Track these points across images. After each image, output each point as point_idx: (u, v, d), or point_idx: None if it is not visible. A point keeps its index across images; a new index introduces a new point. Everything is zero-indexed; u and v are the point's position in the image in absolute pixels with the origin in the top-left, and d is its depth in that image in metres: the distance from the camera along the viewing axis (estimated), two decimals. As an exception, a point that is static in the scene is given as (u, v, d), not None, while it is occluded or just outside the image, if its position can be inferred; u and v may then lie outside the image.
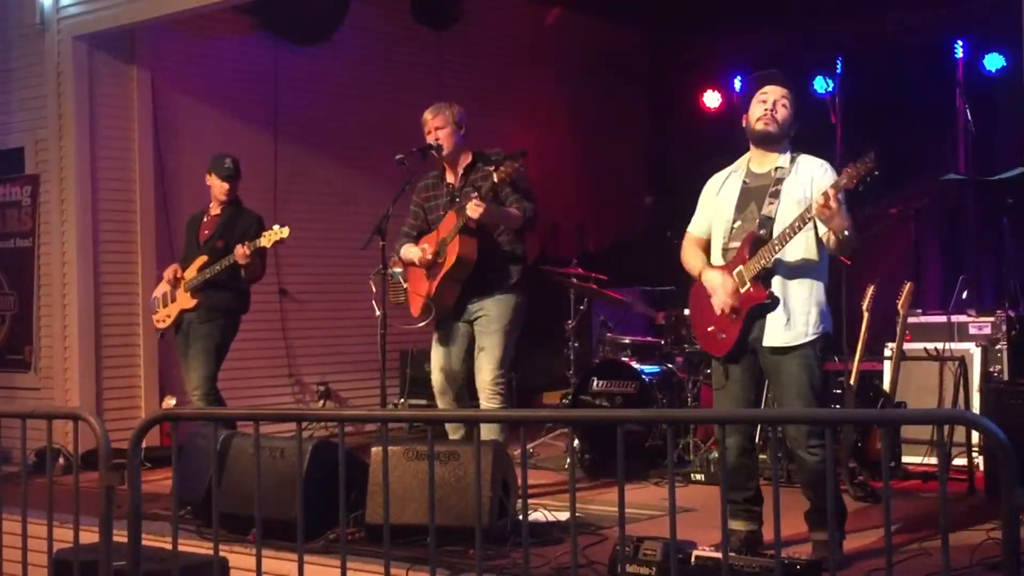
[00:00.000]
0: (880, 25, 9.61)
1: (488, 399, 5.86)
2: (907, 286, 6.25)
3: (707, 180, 4.93)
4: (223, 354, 6.72)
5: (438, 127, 5.83)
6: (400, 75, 9.30)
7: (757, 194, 4.68)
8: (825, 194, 4.33)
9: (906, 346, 6.41)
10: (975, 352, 6.69)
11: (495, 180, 5.51)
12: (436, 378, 5.97)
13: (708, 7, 9.88)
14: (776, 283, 4.58)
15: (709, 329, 4.76)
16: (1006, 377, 6.57)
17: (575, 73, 10.67)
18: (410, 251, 5.92)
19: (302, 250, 8.45)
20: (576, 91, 10.69)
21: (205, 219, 6.83)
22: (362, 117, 9.18)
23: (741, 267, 4.60)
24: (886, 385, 6.39)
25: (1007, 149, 8.74)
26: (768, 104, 4.67)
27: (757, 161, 4.76)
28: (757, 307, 4.58)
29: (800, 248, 4.56)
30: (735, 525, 4.70)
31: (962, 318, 6.95)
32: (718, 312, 4.67)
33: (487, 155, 5.91)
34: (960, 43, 9.00)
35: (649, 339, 7.75)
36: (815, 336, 4.58)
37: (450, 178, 5.97)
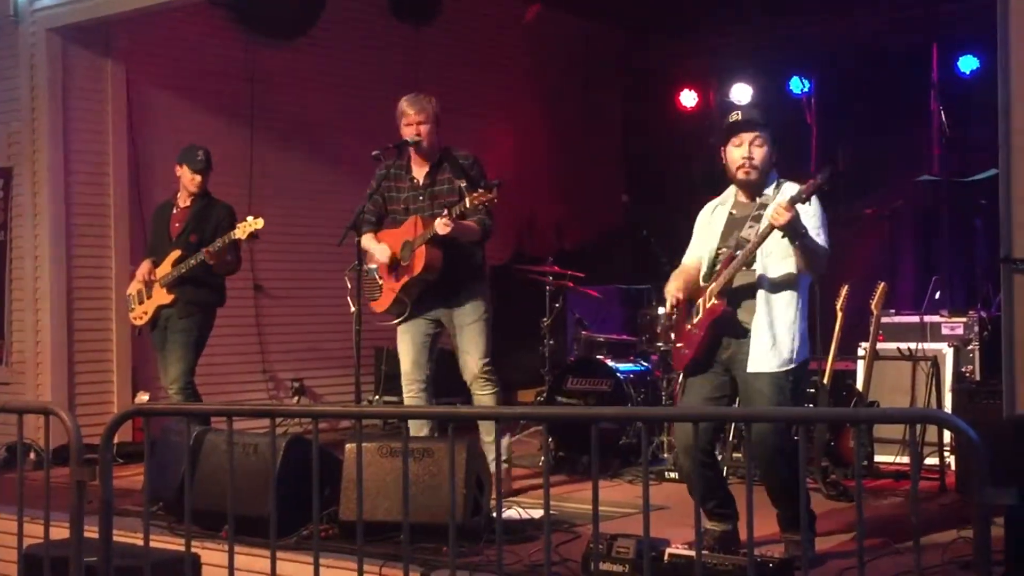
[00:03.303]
0: (856, 26, 9.65)
1: (480, 388, 5.91)
2: (881, 286, 6.28)
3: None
4: (201, 348, 6.68)
5: (420, 122, 5.82)
6: (377, 71, 9.27)
7: (741, 223, 4.69)
8: (779, 205, 4.35)
9: (879, 346, 6.45)
10: (947, 352, 6.74)
11: (468, 204, 5.54)
12: (405, 368, 6.01)
13: (686, 6, 9.90)
14: (761, 305, 4.57)
15: (679, 344, 4.84)
16: (978, 377, 6.62)
17: (553, 71, 10.67)
18: (372, 245, 5.94)
19: (277, 245, 8.41)
20: (553, 89, 10.70)
21: (175, 211, 6.73)
22: (338, 112, 9.15)
23: (713, 285, 4.63)
24: (859, 384, 6.42)
25: (981, 151, 8.78)
26: (744, 150, 4.64)
27: (744, 194, 4.78)
28: (718, 320, 4.58)
29: (784, 270, 4.56)
30: (709, 524, 4.71)
31: (935, 318, 7.00)
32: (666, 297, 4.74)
33: (456, 157, 5.91)
34: (935, 45, 9.06)
35: (624, 337, 7.77)
36: (796, 364, 4.59)
37: (415, 170, 5.95)
